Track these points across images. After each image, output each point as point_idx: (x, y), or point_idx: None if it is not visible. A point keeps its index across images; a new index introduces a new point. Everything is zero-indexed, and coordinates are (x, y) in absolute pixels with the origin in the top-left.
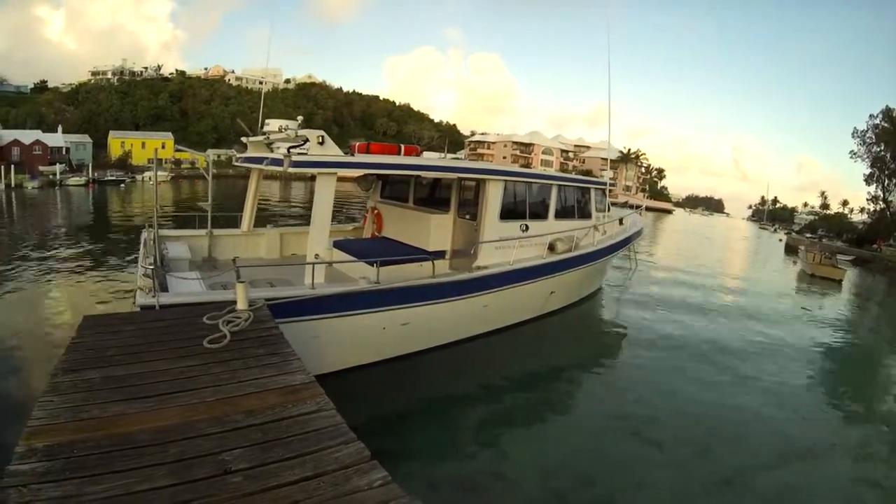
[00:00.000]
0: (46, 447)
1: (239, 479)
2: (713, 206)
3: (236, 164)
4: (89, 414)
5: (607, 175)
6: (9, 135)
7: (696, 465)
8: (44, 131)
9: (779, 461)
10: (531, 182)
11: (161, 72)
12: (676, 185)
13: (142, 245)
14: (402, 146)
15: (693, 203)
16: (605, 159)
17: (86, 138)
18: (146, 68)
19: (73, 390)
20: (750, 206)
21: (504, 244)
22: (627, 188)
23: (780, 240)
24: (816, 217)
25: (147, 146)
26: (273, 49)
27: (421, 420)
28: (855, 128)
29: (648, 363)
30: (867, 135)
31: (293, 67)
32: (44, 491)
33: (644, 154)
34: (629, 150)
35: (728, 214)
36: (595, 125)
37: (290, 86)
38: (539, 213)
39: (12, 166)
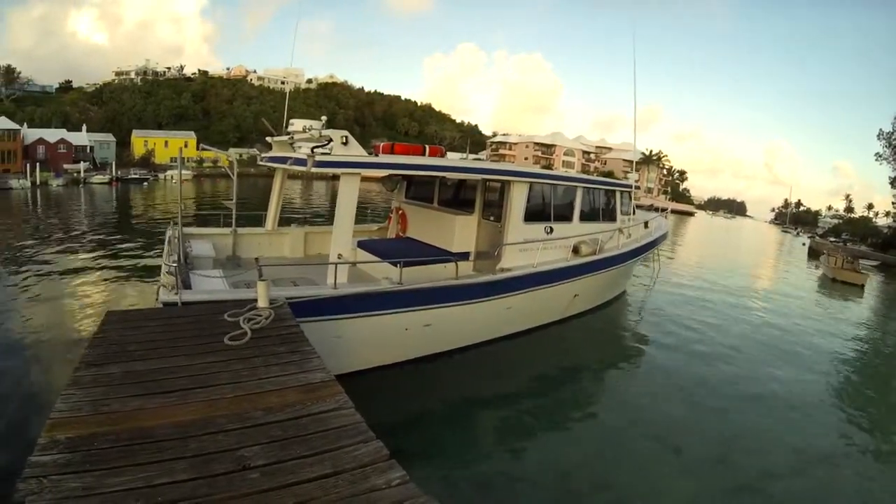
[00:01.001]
0: (68, 439)
1: (257, 475)
2: (735, 208)
3: (261, 163)
4: (110, 408)
5: (632, 177)
6: (34, 133)
7: (714, 472)
8: (68, 130)
9: (798, 469)
10: (556, 184)
11: (184, 72)
12: (707, 187)
13: (166, 242)
14: (427, 147)
15: (715, 206)
16: (630, 161)
17: (109, 137)
18: (169, 68)
19: (94, 384)
20: (773, 209)
21: (528, 246)
22: (649, 190)
23: (804, 244)
24: (840, 221)
25: (170, 145)
26: (309, 49)
27: (440, 421)
28: (881, 129)
29: (669, 368)
30: (893, 136)
31: (335, 68)
32: (64, 482)
33: (666, 156)
34: (651, 151)
35: (751, 217)
36: (642, 129)
37: (312, 86)
38: (564, 215)
39: (38, 164)
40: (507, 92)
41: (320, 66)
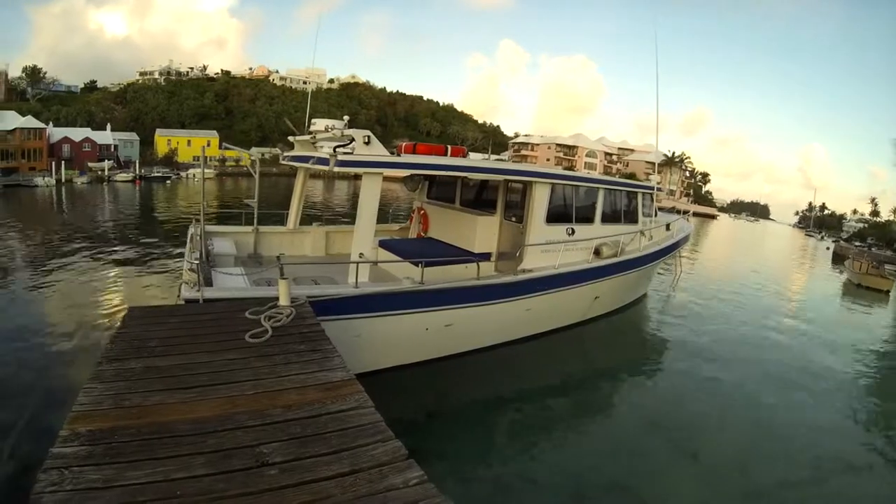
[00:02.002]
0: (89, 432)
1: (275, 472)
2: (759, 211)
3: (283, 162)
4: (131, 402)
5: (654, 179)
6: (60, 132)
7: (731, 478)
8: (93, 129)
9: (819, 478)
10: (578, 185)
11: (206, 72)
12: (735, 191)
13: (188, 240)
14: (449, 147)
15: (738, 208)
16: (652, 163)
17: (133, 136)
18: (192, 68)
19: (116, 378)
20: (797, 213)
21: (550, 247)
22: (671, 192)
23: (828, 248)
24: (866, 225)
25: (192, 144)
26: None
27: (459, 421)
28: None
29: (689, 373)
30: None
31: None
32: (85, 474)
33: (689, 157)
34: (673, 153)
35: (774, 220)
36: (689, 133)
37: (334, 86)
38: (585, 216)
39: (63, 162)
40: (547, 93)
41: (368, 66)
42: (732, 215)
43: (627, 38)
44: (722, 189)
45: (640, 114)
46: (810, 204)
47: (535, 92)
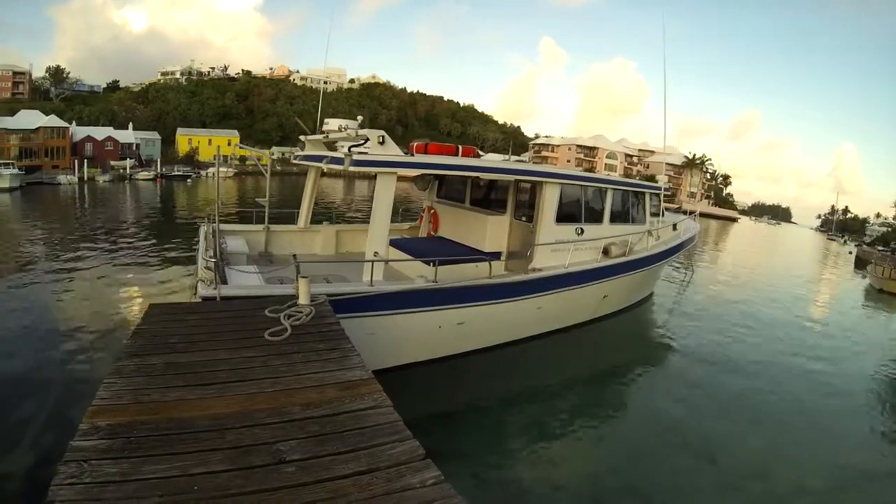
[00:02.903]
0: (108, 426)
1: (293, 469)
2: (780, 214)
3: (294, 161)
4: (150, 397)
5: (662, 180)
6: (82, 131)
7: (749, 482)
8: (115, 128)
9: (837, 486)
10: (587, 185)
11: (227, 72)
12: (766, 194)
13: (201, 238)
14: (460, 147)
15: (759, 211)
16: (673, 165)
17: (155, 135)
18: (213, 68)
19: (136, 374)
20: (819, 216)
21: (559, 247)
22: (692, 194)
23: (850, 252)
24: (889, 229)
25: (213, 143)
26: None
27: (472, 419)
28: None
29: (703, 374)
30: None
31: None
32: (103, 467)
33: (709, 159)
34: (694, 155)
35: (796, 224)
36: (737, 138)
37: (355, 86)
38: (594, 216)
39: (85, 161)
40: (587, 94)
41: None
42: (753, 218)
43: (675, 39)
44: (749, 192)
45: (684, 115)
46: (833, 207)
47: (573, 93)
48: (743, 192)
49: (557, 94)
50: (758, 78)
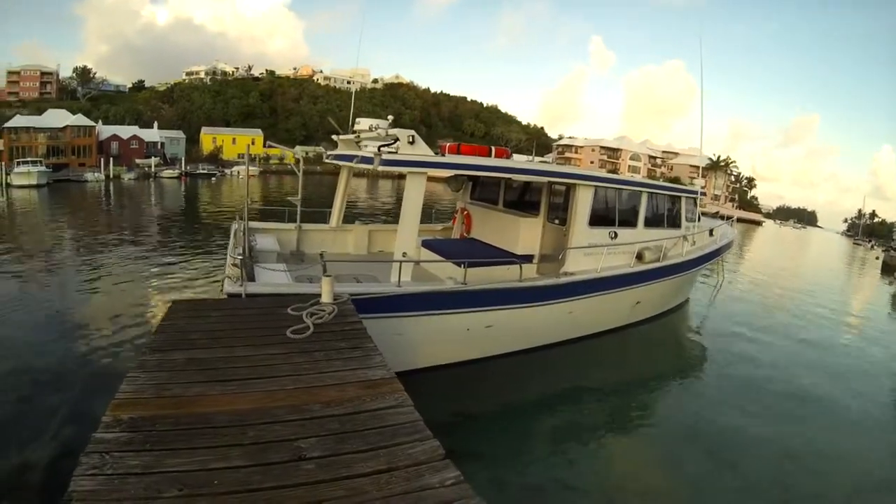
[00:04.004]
0: (130, 419)
1: (312, 466)
2: (805, 218)
3: (326, 160)
4: (172, 392)
5: (698, 183)
6: (109, 130)
7: (770, 492)
8: (140, 127)
9: (859, 497)
10: (621, 188)
11: (251, 71)
12: (797, 197)
13: (231, 236)
14: (493, 148)
15: (784, 214)
16: (696, 167)
17: (179, 134)
18: (237, 68)
19: (158, 369)
20: (845, 220)
21: (592, 251)
22: (715, 197)
23: (877, 258)
24: None
25: (237, 142)
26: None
27: (496, 422)
28: None
29: (729, 381)
30: None
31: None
32: (125, 459)
33: (734, 162)
34: (719, 157)
35: (821, 227)
36: (790, 143)
37: (378, 86)
38: (628, 220)
39: (111, 159)
40: (634, 95)
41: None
42: (779, 222)
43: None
44: (780, 196)
45: (735, 117)
46: (859, 211)
47: (619, 95)
48: (774, 195)
49: (603, 95)
50: (816, 82)
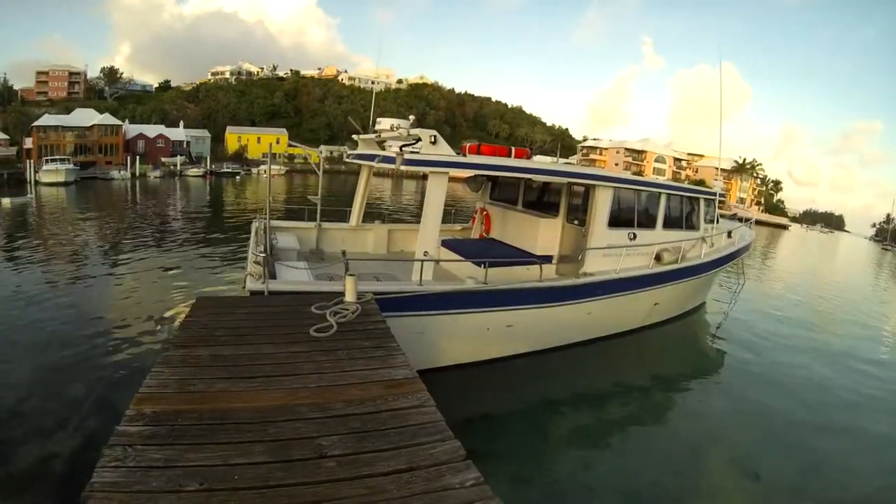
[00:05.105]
0: (154, 413)
1: (333, 464)
2: (833, 222)
3: (347, 160)
4: (195, 388)
5: (718, 185)
6: (135, 129)
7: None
8: (166, 126)
9: None
10: (640, 190)
11: (276, 71)
12: (831, 202)
13: (252, 234)
14: (513, 148)
15: (811, 218)
16: (723, 170)
17: (205, 133)
18: (262, 68)
19: (182, 364)
20: (873, 225)
21: (611, 252)
22: (741, 200)
23: None
24: None
25: (262, 141)
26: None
27: (515, 422)
28: None
29: (750, 388)
30: None
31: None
32: (147, 452)
33: (760, 164)
34: (744, 160)
35: (849, 232)
36: (844, 150)
37: (403, 86)
38: (647, 221)
39: (137, 157)
40: (682, 98)
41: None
42: (805, 226)
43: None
44: (814, 200)
45: (789, 121)
46: (888, 216)
47: (666, 97)
48: (808, 199)
49: (651, 97)
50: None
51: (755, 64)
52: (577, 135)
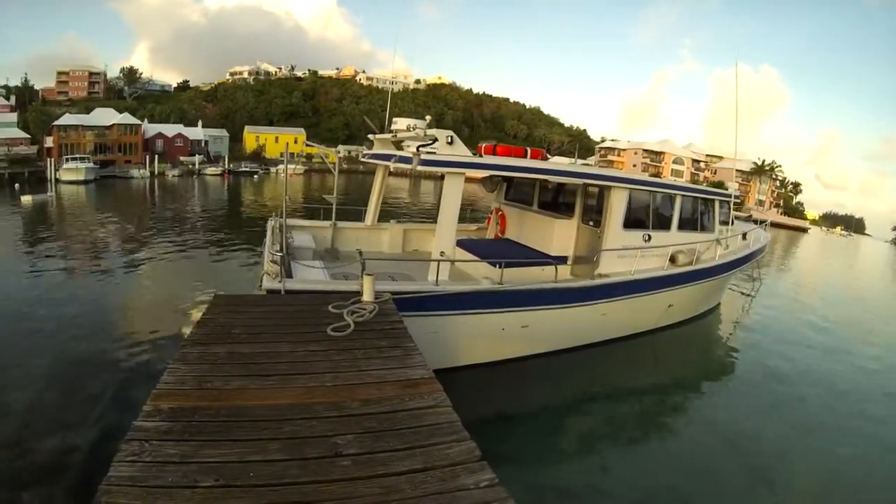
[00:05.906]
0: (170, 409)
1: (348, 463)
2: (853, 225)
3: (362, 160)
4: (212, 385)
5: (732, 187)
6: (154, 128)
7: None
8: (185, 125)
9: None
10: (655, 191)
11: (294, 72)
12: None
13: (268, 233)
14: (529, 149)
15: (832, 221)
16: (742, 171)
17: (223, 132)
18: (280, 68)
19: (199, 361)
20: (894, 228)
21: (626, 253)
22: (760, 202)
23: None
24: None
25: (280, 140)
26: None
27: (530, 423)
28: None
29: (765, 392)
30: None
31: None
32: (164, 448)
33: (779, 166)
34: (763, 161)
35: (869, 235)
36: (880, 158)
37: (420, 86)
38: (662, 223)
39: (156, 156)
40: (719, 100)
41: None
42: (825, 229)
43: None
44: (841, 204)
45: (829, 126)
46: None
47: (702, 100)
48: (834, 203)
49: (685, 99)
50: None
51: (801, 69)
52: (595, 136)
